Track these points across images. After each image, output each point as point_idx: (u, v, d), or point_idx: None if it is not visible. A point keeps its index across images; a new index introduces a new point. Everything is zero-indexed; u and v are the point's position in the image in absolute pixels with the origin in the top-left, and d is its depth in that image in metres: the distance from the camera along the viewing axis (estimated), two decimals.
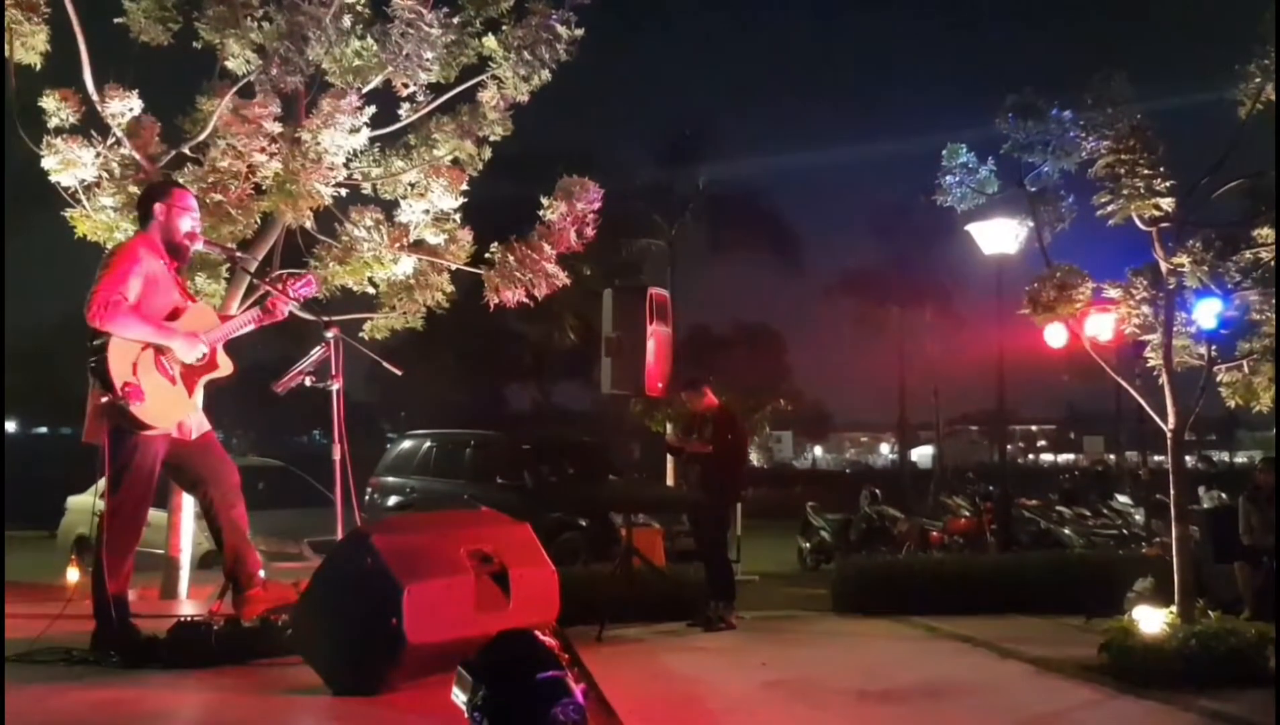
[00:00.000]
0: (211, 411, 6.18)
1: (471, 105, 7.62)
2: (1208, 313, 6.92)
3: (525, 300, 7.66)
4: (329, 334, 6.00)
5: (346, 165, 7.14)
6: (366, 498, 14.24)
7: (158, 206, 5.80)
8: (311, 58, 6.86)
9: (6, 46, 6.62)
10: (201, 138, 6.85)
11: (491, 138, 7.72)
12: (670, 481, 24.72)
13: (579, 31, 7.42)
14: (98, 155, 6.75)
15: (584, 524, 12.33)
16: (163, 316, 5.69)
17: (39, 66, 6.77)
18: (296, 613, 5.45)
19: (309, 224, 7.23)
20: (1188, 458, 8.29)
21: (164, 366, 5.61)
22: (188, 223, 5.88)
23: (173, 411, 5.69)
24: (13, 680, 4.99)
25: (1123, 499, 16.77)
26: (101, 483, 5.73)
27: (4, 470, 8.95)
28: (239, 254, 6.75)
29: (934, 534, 14.91)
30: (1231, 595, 9.43)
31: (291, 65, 6.79)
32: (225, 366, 6.02)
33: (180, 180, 6.68)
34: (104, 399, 5.42)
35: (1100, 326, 7.28)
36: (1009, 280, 12.26)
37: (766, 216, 30.23)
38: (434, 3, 7.10)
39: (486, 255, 7.67)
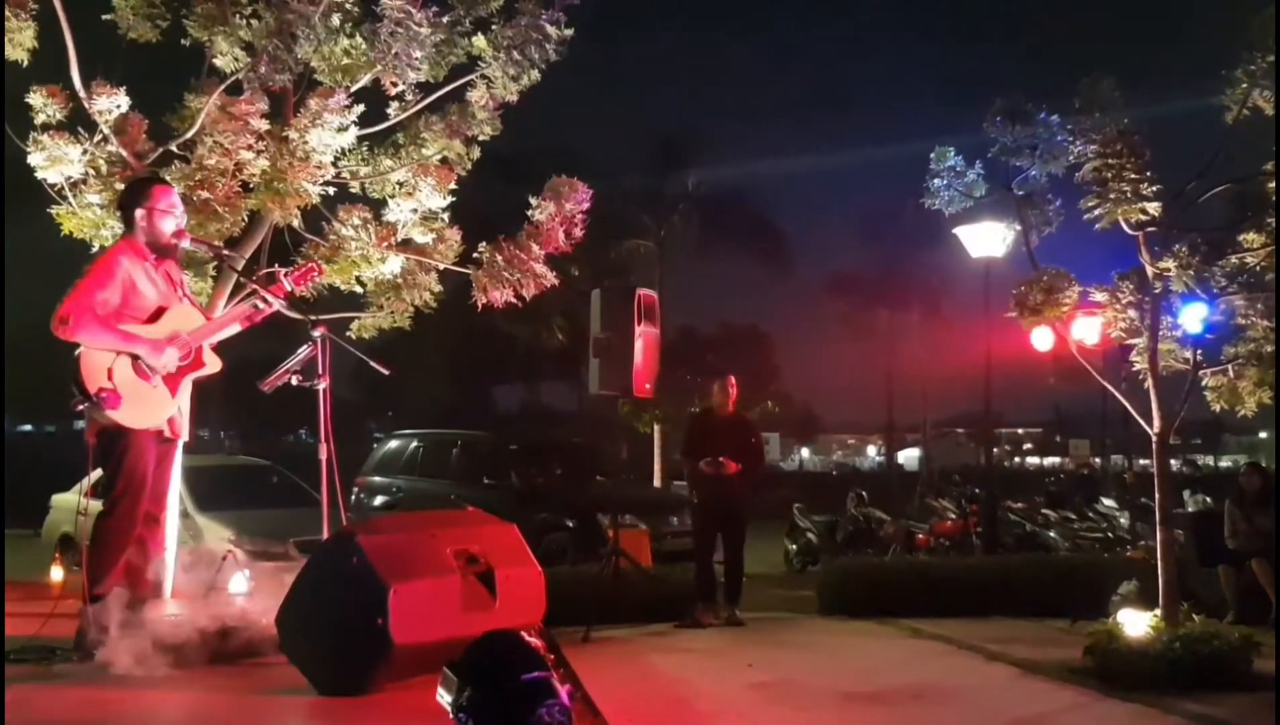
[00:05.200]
0: (198, 410, 6.16)
1: (460, 104, 7.60)
2: (1193, 317, 6.94)
3: (513, 300, 7.64)
4: (316, 333, 5.99)
5: (334, 164, 7.12)
6: (353, 498, 14.20)
7: (138, 213, 5.79)
8: (300, 56, 6.84)
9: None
10: (189, 135, 6.82)
11: (480, 137, 7.70)
12: (657, 482, 24.78)
13: (568, 32, 7.41)
14: (84, 152, 6.72)
15: (571, 525, 12.29)
16: (146, 318, 5.68)
17: (25, 63, 6.74)
18: (282, 612, 5.44)
19: (296, 222, 7.20)
20: (1173, 461, 8.31)
21: (141, 369, 5.61)
22: (170, 224, 5.87)
23: (154, 413, 5.68)
24: None
25: (1108, 502, 16.79)
26: (86, 481, 5.73)
27: (4, 471, 8.91)
28: (226, 252, 6.74)
29: (920, 536, 14.92)
30: (1216, 599, 9.48)
31: (280, 63, 6.77)
32: (213, 364, 6.02)
33: (167, 177, 6.65)
34: (80, 407, 5.45)
35: (1087, 330, 7.31)
36: (996, 283, 12.32)
37: (755, 218, 30.23)
38: (423, 2, 7.09)
39: (475, 255, 7.65)
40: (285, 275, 6.19)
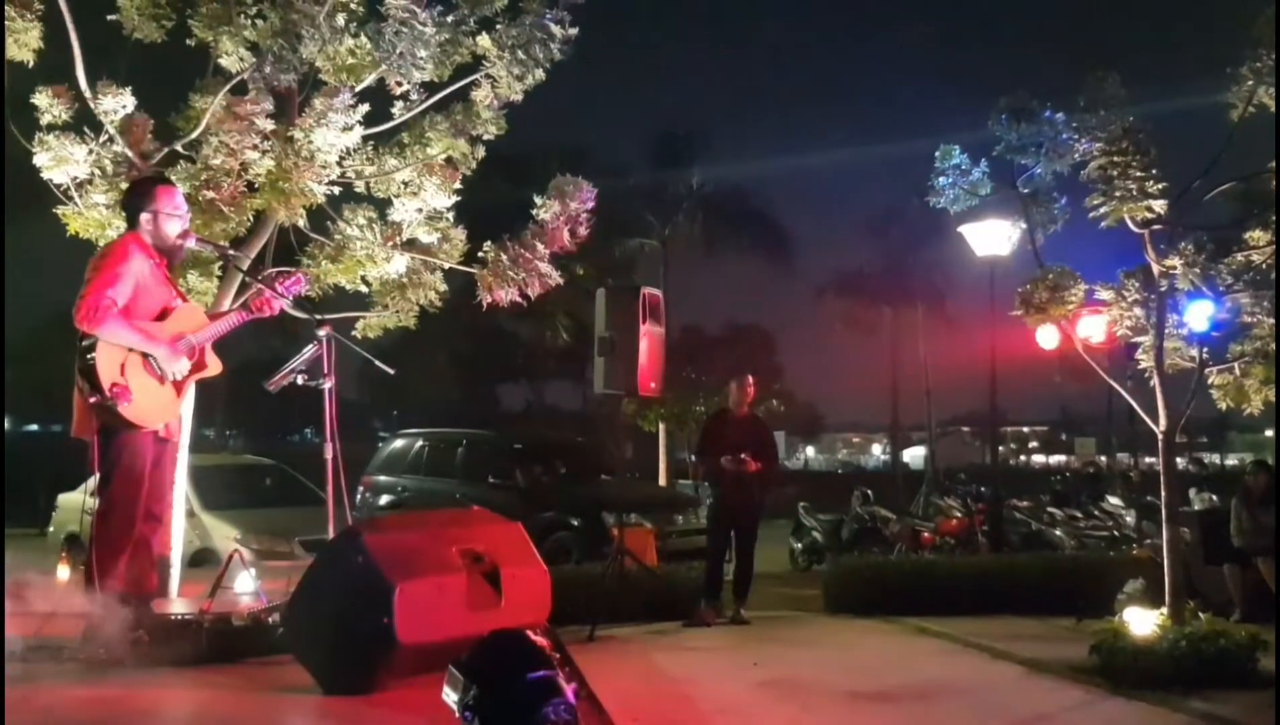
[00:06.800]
0: (204, 409, 6.16)
1: (465, 104, 7.60)
2: (1199, 315, 6.94)
3: (518, 299, 7.64)
4: (321, 332, 6.00)
5: (339, 163, 7.12)
6: (358, 497, 14.21)
7: (144, 217, 5.79)
8: (305, 56, 6.84)
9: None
10: (194, 135, 6.83)
11: (485, 137, 7.69)
12: (662, 481, 24.78)
13: (573, 31, 7.41)
14: (90, 152, 6.73)
15: (576, 524, 12.31)
16: (153, 316, 5.68)
17: (31, 63, 6.74)
18: (288, 611, 5.44)
19: (301, 222, 7.21)
20: (1179, 459, 8.31)
21: (152, 367, 5.61)
22: (177, 226, 5.87)
23: (161, 411, 5.69)
24: None
25: (1114, 500, 16.76)
26: (92, 481, 5.73)
27: (4, 471, 8.92)
28: (231, 252, 6.74)
29: (925, 535, 14.90)
30: (1222, 597, 9.47)
31: (285, 63, 6.77)
32: (214, 366, 6.03)
33: (173, 177, 6.65)
34: (92, 400, 5.43)
35: (1092, 328, 7.30)
36: (1001, 282, 12.32)
37: (760, 217, 30.20)
38: (428, 1, 7.09)
39: (480, 254, 7.65)
40: (277, 283, 6.24)
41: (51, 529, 13.13)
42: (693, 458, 19.64)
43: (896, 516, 16.02)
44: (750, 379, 9.49)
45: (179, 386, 5.79)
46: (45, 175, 6.74)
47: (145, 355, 5.58)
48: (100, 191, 6.80)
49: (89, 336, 5.42)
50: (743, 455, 8.93)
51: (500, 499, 12.03)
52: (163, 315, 5.74)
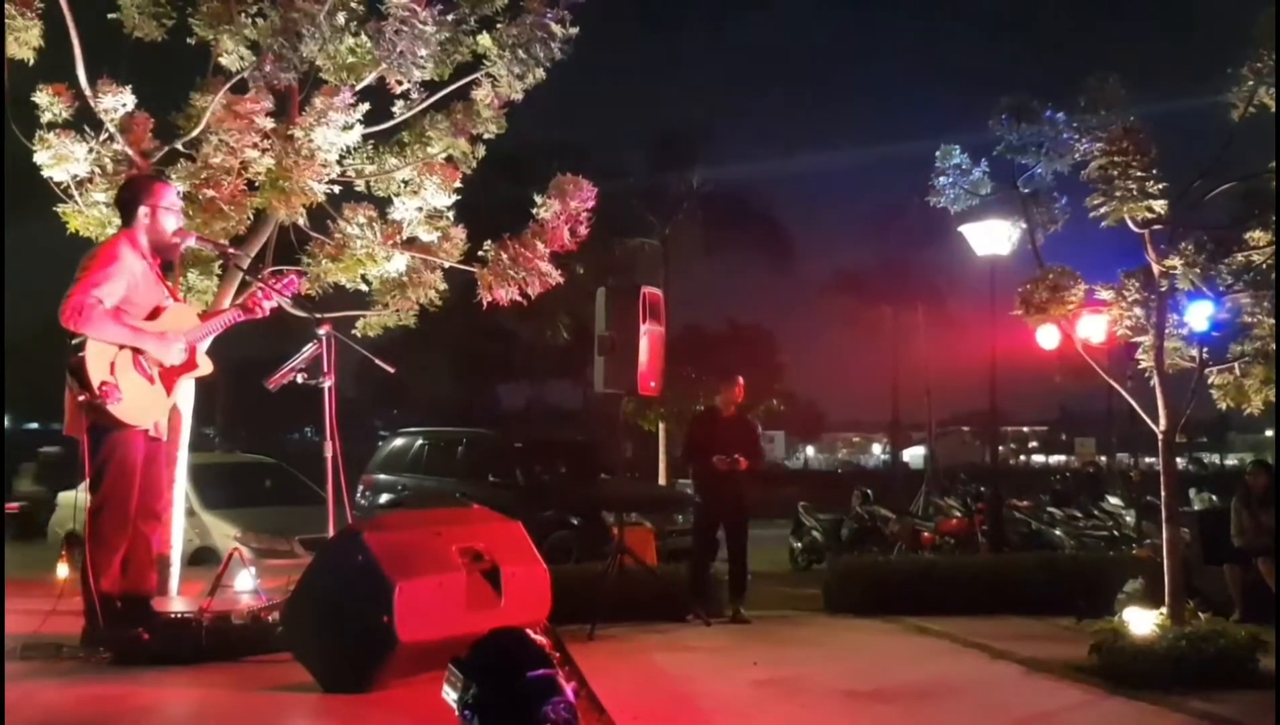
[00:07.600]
0: (204, 408, 6.17)
1: (465, 103, 7.60)
2: (1199, 315, 6.93)
3: (518, 298, 7.64)
4: (321, 331, 6.00)
5: (339, 162, 7.12)
6: (358, 495, 14.22)
7: (141, 211, 5.79)
8: (305, 54, 6.84)
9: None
10: (195, 134, 6.83)
11: (485, 136, 7.70)
12: (662, 480, 24.77)
13: (573, 30, 7.41)
14: (90, 150, 6.73)
15: (576, 522, 12.33)
16: (144, 316, 5.69)
17: (31, 61, 6.75)
18: (287, 609, 5.45)
19: (301, 221, 7.22)
20: (1179, 459, 8.30)
21: (142, 366, 5.62)
22: (173, 222, 5.88)
23: (151, 410, 5.70)
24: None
25: (1114, 500, 16.77)
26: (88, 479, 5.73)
27: (4, 471, 8.93)
28: (231, 250, 6.75)
29: (925, 534, 14.91)
30: (1222, 597, 9.47)
31: (285, 62, 6.77)
32: (205, 366, 6.04)
33: (174, 176, 6.66)
34: (81, 398, 5.44)
35: (1092, 328, 7.30)
36: (1002, 281, 12.33)
37: (760, 216, 30.17)
38: (428, 0, 7.09)
39: (480, 253, 7.65)
40: (268, 284, 6.26)
41: (50, 527, 13.15)
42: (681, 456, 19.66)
43: (896, 516, 16.04)
44: (740, 381, 9.51)
45: (169, 385, 5.79)
46: (45, 173, 6.75)
47: (136, 354, 5.59)
48: (100, 189, 6.80)
49: (79, 335, 5.43)
50: (736, 455, 8.96)
51: (500, 497, 12.04)
52: (154, 315, 5.75)
